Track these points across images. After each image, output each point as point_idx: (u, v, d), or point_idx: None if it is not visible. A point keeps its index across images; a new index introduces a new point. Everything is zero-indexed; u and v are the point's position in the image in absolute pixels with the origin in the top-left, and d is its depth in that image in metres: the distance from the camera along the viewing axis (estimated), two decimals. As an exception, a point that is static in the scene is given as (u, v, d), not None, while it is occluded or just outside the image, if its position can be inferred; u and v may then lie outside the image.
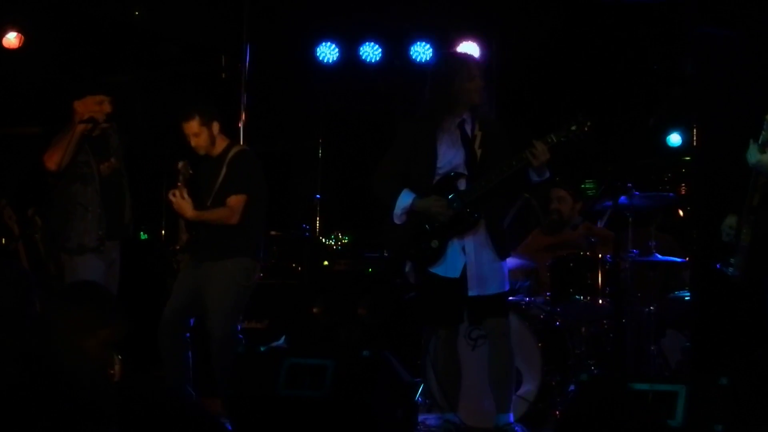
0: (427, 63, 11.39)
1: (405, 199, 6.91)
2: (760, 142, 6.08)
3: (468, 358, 7.57)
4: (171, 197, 7.67)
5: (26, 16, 10.54)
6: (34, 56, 10.45)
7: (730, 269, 6.41)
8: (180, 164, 7.72)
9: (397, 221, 6.94)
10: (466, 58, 7.30)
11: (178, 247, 7.94)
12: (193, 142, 7.84)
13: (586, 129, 6.71)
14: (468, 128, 6.99)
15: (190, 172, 7.76)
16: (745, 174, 6.37)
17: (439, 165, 6.95)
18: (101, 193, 7.94)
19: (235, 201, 7.73)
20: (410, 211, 6.92)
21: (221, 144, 7.93)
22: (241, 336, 7.90)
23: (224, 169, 7.82)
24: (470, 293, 6.89)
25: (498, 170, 6.80)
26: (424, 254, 6.95)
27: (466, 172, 6.94)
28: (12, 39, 10.62)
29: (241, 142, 9.12)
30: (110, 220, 7.96)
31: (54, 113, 8.32)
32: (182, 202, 7.65)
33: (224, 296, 7.72)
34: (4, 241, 8.32)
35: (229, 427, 6.28)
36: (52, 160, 7.78)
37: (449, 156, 6.95)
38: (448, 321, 7.13)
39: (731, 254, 6.39)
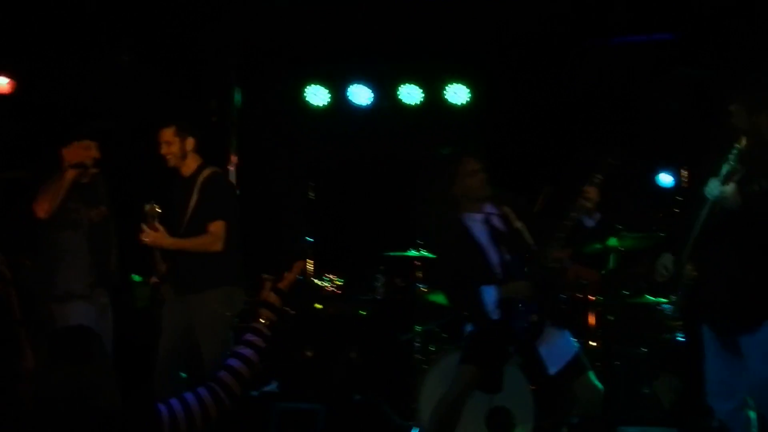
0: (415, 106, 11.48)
1: (490, 294, 6.76)
2: (723, 173, 6.06)
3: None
4: (143, 237, 7.67)
5: (18, 62, 10.55)
6: (24, 101, 10.46)
7: (670, 307, 6.39)
8: (147, 206, 7.73)
9: (494, 316, 6.76)
10: (461, 155, 7.09)
11: (156, 280, 7.89)
12: (164, 149, 7.90)
13: (620, 159, 6.66)
14: (496, 221, 6.96)
15: (158, 211, 7.74)
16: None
17: (490, 259, 6.90)
18: (90, 240, 7.91)
19: (216, 227, 7.73)
20: (499, 301, 6.78)
21: (193, 163, 7.98)
22: None
23: (196, 194, 7.84)
24: (551, 371, 6.83)
25: (559, 231, 6.67)
26: (529, 331, 6.81)
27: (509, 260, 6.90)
28: (3, 84, 10.63)
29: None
30: (99, 266, 7.92)
31: (43, 158, 8.30)
32: (156, 234, 7.67)
33: (211, 329, 7.68)
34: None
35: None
36: (42, 208, 7.75)
37: (492, 253, 6.90)
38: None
39: (671, 292, 6.34)
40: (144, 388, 7.51)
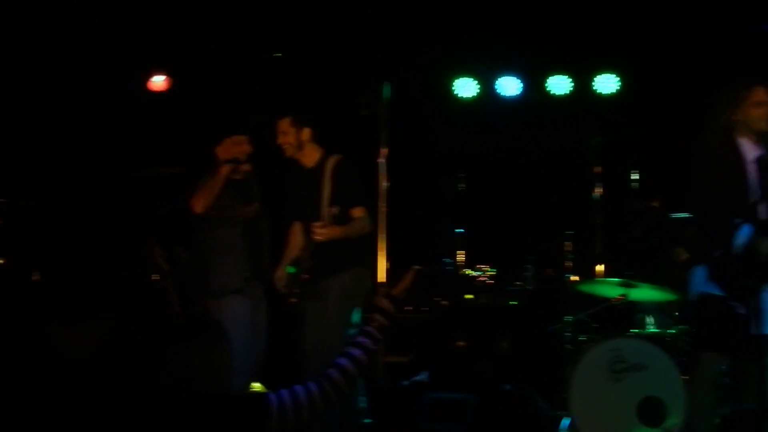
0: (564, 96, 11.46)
1: (744, 233, 6.58)
2: None
3: (611, 391, 7.54)
4: (317, 232, 7.79)
5: (173, 59, 10.81)
6: (180, 98, 10.72)
7: None
8: (329, 210, 7.82)
9: (736, 252, 6.59)
10: (752, 83, 6.98)
11: (307, 276, 7.96)
12: (280, 139, 8.02)
13: None
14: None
15: (336, 213, 7.86)
16: None
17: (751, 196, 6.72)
18: (244, 236, 8.06)
19: (360, 212, 7.89)
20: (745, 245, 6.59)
21: (314, 153, 8.10)
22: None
23: (328, 183, 7.96)
24: (761, 330, 6.55)
25: None
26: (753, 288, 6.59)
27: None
28: (159, 82, 10.90)
29: (382, 179, 9.17)
30: (253, 261, 8.06)
31: (198, 154, 8.50)
32: (327, 229, 7.77)
33: (339, 307, 7.78)
34: (155, 278, 8.47)
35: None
36: (198, 204, 7.94)
37: (755, 190, 6.73)
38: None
39: None
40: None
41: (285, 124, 8.03)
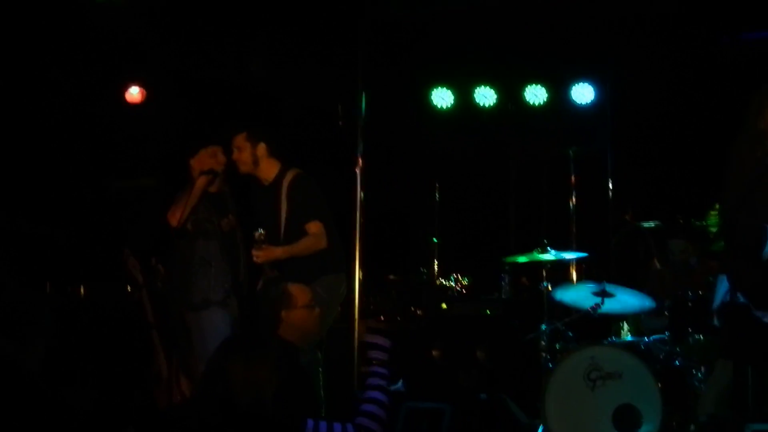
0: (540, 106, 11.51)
1: None
2: None
3: (586, 399, 7.56)
4: (254, 258, 7.74)
5: (150, 73, 10.82)
6: (155, 111, 10.72)
7: None
8: (256, 233, 7.74)
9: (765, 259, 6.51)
10: None
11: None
12: (235, 155, 7.95)
13: None
14: None
15: (263, 235, 7.77)
16: None
17: None
18: (223, 249, 8.02)
19: (315, 227, 7.78)
20: None
21: (271, 168, 8.01)
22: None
23: (285, 200, 7.89)
24: None
25: None
26: None
27: None
28: (135, 94, 10.91)
29: (359, 188, 9.17)
30: (232, 275, 8.03)
31: (172, 165, 8.50)
32: (265, 251, 7.70)
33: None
34: (129, 290, 8.45)
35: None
36: (174, 217, 7.89)
37: None
38: None
39: None
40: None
41: (240, 140, 7.94)
